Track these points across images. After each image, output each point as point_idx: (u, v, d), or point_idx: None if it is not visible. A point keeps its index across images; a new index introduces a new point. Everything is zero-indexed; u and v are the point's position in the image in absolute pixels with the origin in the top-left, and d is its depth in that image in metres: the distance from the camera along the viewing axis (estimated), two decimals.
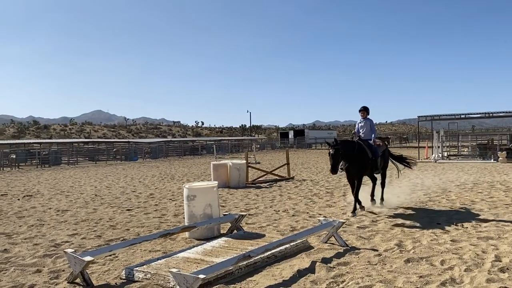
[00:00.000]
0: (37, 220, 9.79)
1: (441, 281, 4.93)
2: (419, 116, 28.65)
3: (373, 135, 9.72)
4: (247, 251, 5.64)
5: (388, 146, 11.02)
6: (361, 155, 9.12)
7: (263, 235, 7.12)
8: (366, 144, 9.41)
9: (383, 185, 10.34)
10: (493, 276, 5.09)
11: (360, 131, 9.96)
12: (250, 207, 10.73)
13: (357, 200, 9.28)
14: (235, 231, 7.65)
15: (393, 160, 10.90)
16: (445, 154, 28.10)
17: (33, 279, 5.52)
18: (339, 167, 8.76)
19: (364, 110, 10.00)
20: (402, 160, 10.99)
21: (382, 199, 10.11)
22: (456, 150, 30.17)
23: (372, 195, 10.03)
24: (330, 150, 8.67)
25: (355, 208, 9.20)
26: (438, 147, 27.05)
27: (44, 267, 6.05)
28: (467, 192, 12.11)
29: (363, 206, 9.40)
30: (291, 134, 71.52)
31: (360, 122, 10.05)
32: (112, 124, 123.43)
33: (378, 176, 10.16)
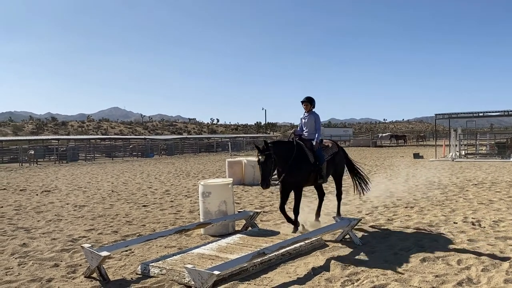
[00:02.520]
0: (55, 215, 9.93)
1: (457, 281, 4.88)
2: (436, 114, 28.32)
3: (317, 135, 7.66)
4: (261, 248, 5.65)
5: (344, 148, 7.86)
6: (301, 160, 7.21)
7: (278, 233, 7.12)
8: (308, 146, 7.46)
9: (338, 197, 8.43)
10: (511, 276, 5.01)
11: (304, 128, 7.90)
12: (264, 204, 10.73)
13: (295, 218, 7.40)
14: (249, 228, 7.67)
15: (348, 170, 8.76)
16: (463, 152, 27.74)
17: (51, 273, 5.61)
18: (273, 178, 6.94)
19: (308, 102, 7.79)
20: (356, 175, 8.79)
21: (338, 213, 8.22)
22: (474, 148, 29.76)
23: (318, 212, 8.18)
24: (260, 157, 6.80)
25: (296, 226, 7.35)
26: (456, 145, 26.70)
27: (61, 261, 6.14)
28: (485, 191, 11.94)
29: (297, 228, 7.39)
30: None
31: (303, 118, 7.93)
32: (128, 121, 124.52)
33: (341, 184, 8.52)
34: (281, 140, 7.74)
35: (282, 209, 7.36)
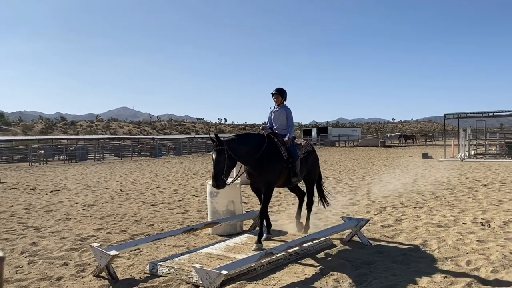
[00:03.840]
0: (64, 214, 10.00)
1: (466, 282, 4.85)
2: (445, 114, 28.14)
3: (288, 132, 6.83)
4: (269, 248, 5.66)
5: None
6: (272, 154, 6.39)
7: (286, 233, 7.11)
8: (280, 140, 6.66)
9: (309, 207, 7.38)
10: None
11: (274, 124, 7.00)
12: (272, 204, 10.73)
13: (263, 222, 6.65)
14: (257, 228, 7.67)
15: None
16: (472, 152, 27.53)
17: (60, 272, 5.65)
18: (226, 177, 5.97)
19: (278, 94, 6.91)
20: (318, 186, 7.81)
21: (307, 225, 7.32)
22: (484, 148, 29.53)
23: (299, 214, 7.45)
24: (212, 153, 6.00)
25: (261, 235, 6.38)
26: (465, 145, 26.51)
27: (70, 260, 6.19)
28: (494, 192, 11.85)
29: (270, 234, 6.77)
30: (314, 131, 71.10)
31: (273, 111, 7.03)
32: (137, 121, 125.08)
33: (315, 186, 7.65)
34: (247, 133, 6.99)
35: (261, 210, 6.55)
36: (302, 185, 7.54)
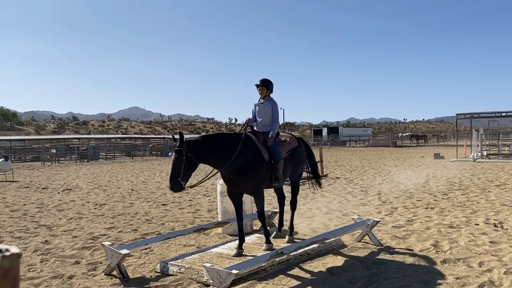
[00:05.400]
0: (76, 213, 10.08)
1: (479, 283, 4.80)
2: (457, 114, 27.90)
3: (273, 127, 6.20)
4: (279, 248, 5.65)
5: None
6: (251, 156, 5.78)
7: (296, 233, 7.10)
8: (262, 140, 6.05)
9: (293, 205, 6.85)
10: None
11: (257, 118, 6.35)
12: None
13: (240, 233, 6.09)
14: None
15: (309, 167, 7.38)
16: (485, 153, 27.25)
17: (72, 270, 5.70)
18: (182, 180, 5.37)
19: (263, 86, 6.27)
20: (314, 173, 7.50)
21: (291, 227, 6.75)
22: (496, 149, 29.20)
23: (281, 221, 7.02)
24: (172, 154, 5.59)
25: (268, 234, 6.17)
26: (477, 145, 26.26)
27: (82, 259, 6.24)
28: (507, 193, 11.71)
29: (280, 232, 6.60)
30: (324, 131, 70.92)
31: (257, 104, 6.40)
32: (148, 121, 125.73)
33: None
34: (220, 132, 6.55)
35: (238, 218, 6.09)
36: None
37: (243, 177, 5.74)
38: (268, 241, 6.07)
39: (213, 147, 5.66)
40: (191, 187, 5.92)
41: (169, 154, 41.58)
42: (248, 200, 7.84)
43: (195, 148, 5.48)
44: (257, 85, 6.32)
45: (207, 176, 6.02)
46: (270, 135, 6.07)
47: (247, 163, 5.71)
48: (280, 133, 6.62)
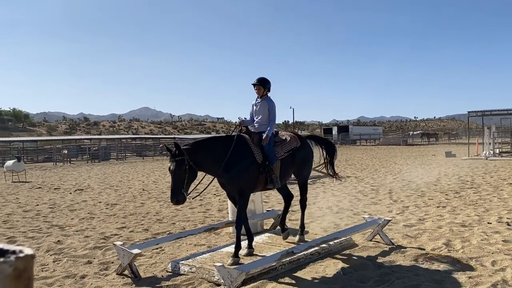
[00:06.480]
0: (88, 213, 10.16)
1: (492, 283, 4.75)
2: (469, 112, 27.64)
3: (269, 127, 5.99)
4: (290, 247, 5.65)
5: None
6: (241, 158, 5.59)
7: (307, 232, 7.09)
8: (256, 140, 5.85)
9: (303, 205, 6.73)
10: None
11: (255, 117, 6.21)
12: (293, 203, 10.69)
13: (240, 235, 5.73)
14: (278, 227, 7.66)
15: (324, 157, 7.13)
16: (497, 151, 26.99)
17: (84, 270, 5.74)
18: (187, 190, 5.29)
19: (260, 85, 6.09)
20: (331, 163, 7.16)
21: (302, 226, 6.66)
22: (509, 146, 28.90)
23: (283, 221, 6.68)
24: (170, 164, 5.32)
25: (238, 248, 5.68)
26: (489, 143, 26.00)
27: (94, 258, 6.28)
28: None
29: (252, 249, 5.97)
30: (335, 130, 70.70)
31: (255, 104, 6.22)
32: (158, 121, 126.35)
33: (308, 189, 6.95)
34: (212, 136, 6.33)
35: (237, 221, 5.78)
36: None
37: (230, 179, 5.58)
38: (235, 255, 5.62)
39: (208, 152, 5.51)
40: (193, 198, 5.79)
41: None
42: (258, 200, 7.85)
43: (195, 156, 5.32)
44: (254, 84, 6.15)
45: (207, 185, 5.92)
46: (265, 135, 5.87)
47: (236, 164, 5.53)
48: (281, 132, 6.52)
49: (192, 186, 5.48)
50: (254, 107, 6.20)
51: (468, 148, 28.19)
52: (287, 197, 6.76)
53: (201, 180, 5.39)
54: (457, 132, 74.70)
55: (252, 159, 5.67)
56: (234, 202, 6.02)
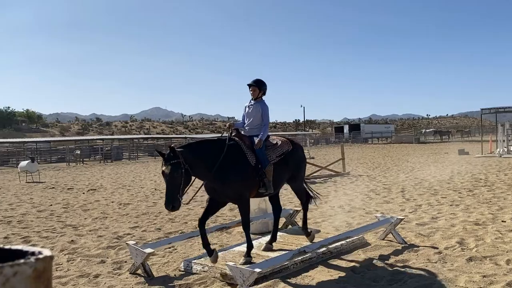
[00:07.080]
0: (101, 213, 10.25)
1: (506, 282, 4.70)
2: (482, 109, 27.38)
3: (262, 131, 5.77)
4: (302, 246, 5.65)
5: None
6: (235, 161, 5.37)
7: (318, 231, 7.08)
8: (247, 144, 5.63)
9: (305, 207, 6.51)
10: None
11: (246, 120, 5.98)
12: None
13: (250, 235, 5.69)
14: (289, 226, 7.67)
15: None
16: (511, 148, 26.66)
17: (98, 269, 5.80)
18: (182, 196, 5.06)
19: (256, 86, 5.87)
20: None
21: (305, 228, 6.41)
22: None
23: (274, 234, 6.27)
24: (163, 167, 5.04)
25: (250, 248, 5.62)
26: (503, 141, 25.69)
27: (107, 258, 6.34)
28: None
29: (271, 245, 6.03)
30: (346, 129, 70.45)
31: (248, 106, 5.98)
32: (170, 121, 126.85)
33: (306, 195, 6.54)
34: (204, 140, 5.96)
35: (200, 223, 5.52)
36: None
37: (226, 183, 5.30)
38: (248, 255, 5.54)
39: (201, 155, 5.26)
40: (186, 203, 5.62)
41: None
42: (267, 199, 7.83)
43: (190, 159, 5.06)
44: (249, 85, 5.92)
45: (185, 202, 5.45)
46: (259, 138, 5.64)
47: (230, 168, 5.31)
48: (272, 136, 6.29)
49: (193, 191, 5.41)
50: (247, 109, 5.97)
51: (482, 146, 27.89)
52: (276, 211, 6.37)
53: (192, 182, 5.21)
54: (470, 129, 73.97)
55: (246, 162, 5.47)
56: (212, 206, 5.67)
